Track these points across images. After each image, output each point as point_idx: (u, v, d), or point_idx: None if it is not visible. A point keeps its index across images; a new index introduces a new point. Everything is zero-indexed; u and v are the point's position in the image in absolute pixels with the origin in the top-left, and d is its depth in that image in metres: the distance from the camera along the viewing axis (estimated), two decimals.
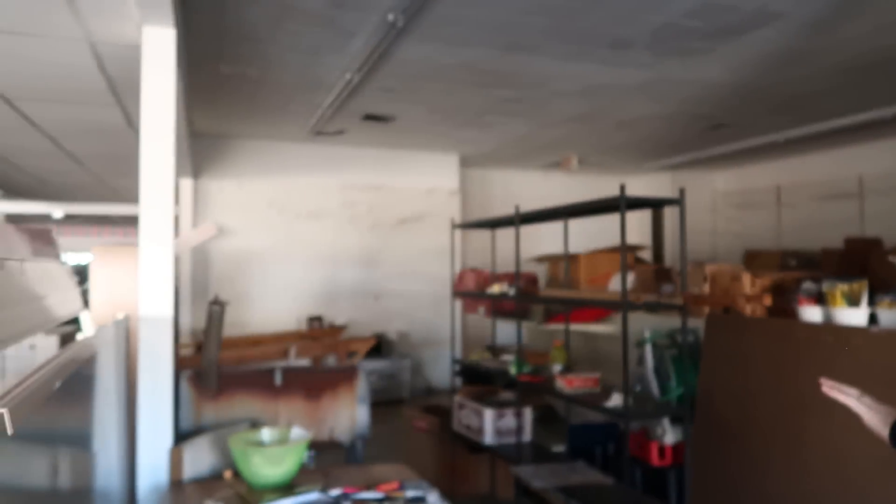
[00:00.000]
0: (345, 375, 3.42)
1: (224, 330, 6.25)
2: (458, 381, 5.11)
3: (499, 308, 4.75)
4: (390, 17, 3.94)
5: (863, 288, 2.82)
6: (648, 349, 3.47)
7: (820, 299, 2.95)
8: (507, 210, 3.80)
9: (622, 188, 2.89)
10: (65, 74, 4.09)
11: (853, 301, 2.82)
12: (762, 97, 5.91)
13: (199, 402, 3.16)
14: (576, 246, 5.52)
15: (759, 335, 2.96)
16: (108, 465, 2.42)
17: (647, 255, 9.11)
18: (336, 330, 6.56)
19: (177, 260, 7.40)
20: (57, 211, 9.74)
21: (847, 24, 4.17)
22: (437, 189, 8.51)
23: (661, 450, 3.29)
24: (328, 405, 3.33)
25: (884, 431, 1.59)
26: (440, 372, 8.15)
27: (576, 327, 4.42)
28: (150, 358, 2.77)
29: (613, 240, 2.95)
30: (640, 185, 10.20)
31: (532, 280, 4.97)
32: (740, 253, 7.97)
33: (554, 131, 7.31)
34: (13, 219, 11.33)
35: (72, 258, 10.72)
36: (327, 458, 4.31)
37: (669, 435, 3.28)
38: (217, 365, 3.22)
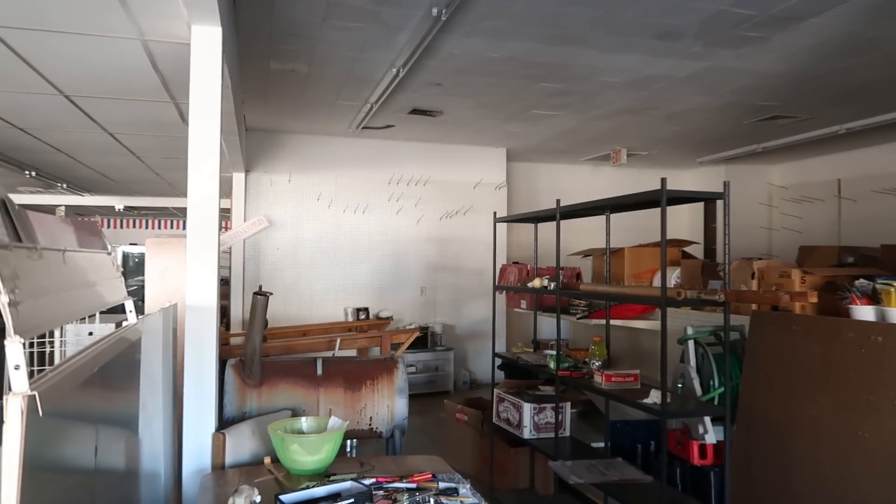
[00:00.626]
0: (384, 367, 3.46)
1: (273, 320, 6.42)
2: (500, 375, 5.11)
3: (540, 302, 4.72)
4: (434, 10, 3.95)
5: None
6: (691, 346, 3.39)
7: (874, 298, 2.83)
8: (553, 204, 3.77)
9: (663, 182, 2.83)
10: (121, 72, 4.25)
11: None
12: (821, 87, 5.68)
13: (243, 389, 3.26)
14: (627, 241, 5.44)
15: (807, 334, 2.87)
16: (154, 448, 2.52)
17: (699, 250, 8.90)
18: (381, 322, 6.64)
19: (229, 252, 7.64)
20: (117, 203, 10.14)
21: None
22: (483, 183, 8.51)
23: (703, 449, 3.22)
24: (367, 396, 3.38)
25: None
26: (483, 365, 8.17)
27: (618, 322, 4.36)
28: (195, 345, 2.87)
29: (666, 234, 2.91)
30: (693, 179, 9.97)
31: (576, 274, 4.92)
32: (797, 248, 7.70)
33: (602, 124, 7.20)
34: (78, 210, 11.87)
35: (133, 249, 11.15)
36: (368, 448, 4.39)
37: (711, 434, 3.21)
38: (260, 354, 3.31)
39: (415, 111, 6.72)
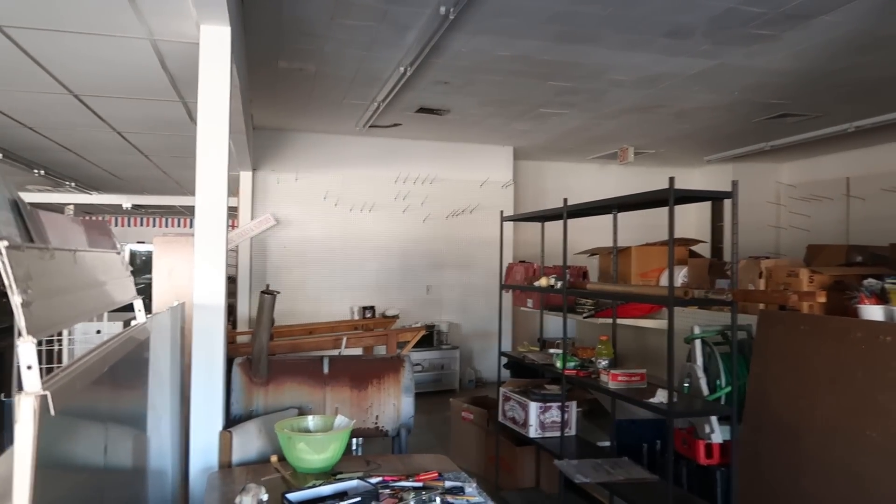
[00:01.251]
0: (391, 365, 3.47)
1: (280, 318, 6.45)
2: (506, 374, 5.11)
3: (547, 301, 4.72)
4: (442, 9, 3.95)
5: None
6: (697, 345, 3.39)
7: (883, 297, 2.82)
8: (559, 202, 3.77)
9: (671, 181, 2.82)
10: (130, 72, 4.27)
11: None
12: (830, 84, 5.65)
13: (249, 388, 3.27)
14: (634, 239, 5.43)
15: (815, 334, 2.86)
16: (162, 446, 2.54)
17: (706, 249, 8.87)
18: (388, 320, 6.65)
19: (236, 250, 7.67)
20: (125, 202, 10.19)
21: None
22: (490, 181, 8.51)
23: (709, 448, 3.21)
24: (373, 394, 3.39)
25: None
26: (489, 364, 8.18)
27: (625, 321, 4.36)
28: (203, 344, 2.88)
29: (668, 232, 2.90)
30: (701, 177, 9.93)
31: (582, 273, 4.91)
32: (805, 247, 7.67)
33: (610, 123, 7.19)
34: (86, 209, 11.93)
35: (140, 247, 11.21)
36: (375, 447, 4.40)
37: (717, 434, 3.20)
38: (267, 352, 3.32)
39: (422, 110, 6.72)
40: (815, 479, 2.68)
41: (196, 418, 2.84)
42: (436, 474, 2.50)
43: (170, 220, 15.24)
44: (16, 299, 0.96)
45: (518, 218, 4.56)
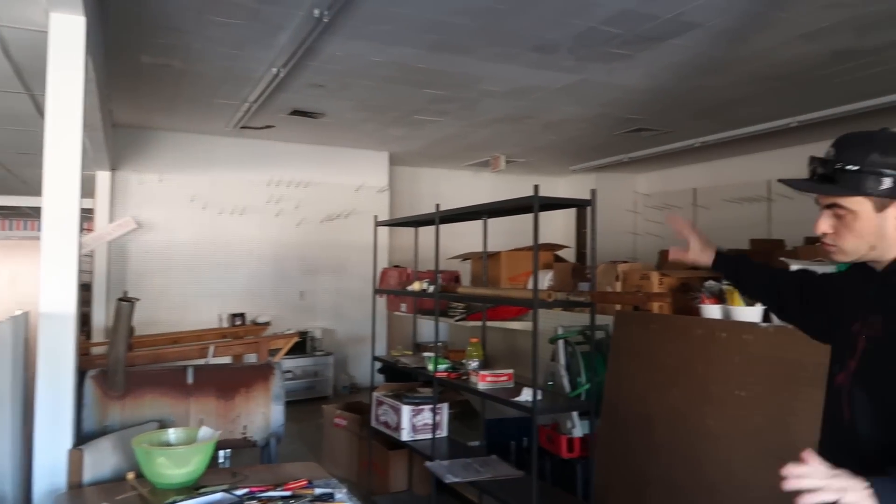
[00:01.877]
0: (259, 373, 3.37)
1: (141, 328, 6.06)
2: (381, 379, 5.12)
3: (420, 305, 4.78)
4: (316, 11, 3.90)
5: None
6: (561, 345, 3.57)
7: (720, 297, 3.10)
8: (434, 209, 3.83)
9: (535, 189, 2.96)
10: None
11: (749, 300, 2.98)
12: (680, 103, 6.15)
13: (104, 402, 3.06)
14: (503, 243, 5.61)
15: (663, 332, 3.10)
16: (1, 468, 2.32)
17: (571, 254, 9.33)
18: (258, 327, 6.45)
19: (91, 255, 7.14)
20: None
21: (757, 35, 4.39)
22: (366, 186, 8.49)
23: (570, 443, 3.40)
24: (241, 404, 3.28)
25: (707, 259, 1.97)
26: (364, 369, 8.13)
27: (495, 324, 4.50)
28: (49, 356, 2.67)
29: (539, 238, 3.04)
30: (567, 185, 10.45)
31: (455, 278, 5.02)
32: (658, 252, 8.27)
33: (483, 131, 7.41)
34: None
35: None
36: (243, 458, 4.25)
37: (578, 428, 3.40)
38: (124, 363, 3.12)
39: (296, 112, 6.60)
40: (663, 465, 2.90)
41: (41, 436, 2.62)
42: (305, 482, 2.46)
43: (14, 222, 13.91)
44: None
45: (392, 223, 4.59)
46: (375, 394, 4.08)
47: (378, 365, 4.66)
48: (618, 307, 3.58)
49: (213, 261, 7.68)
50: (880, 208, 1.33)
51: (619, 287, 3.82)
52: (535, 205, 2.92)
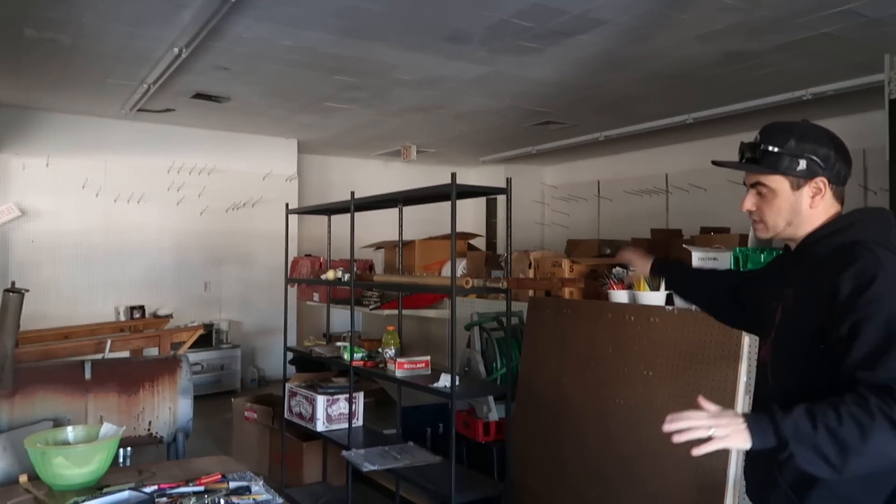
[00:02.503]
0: (165, 367, 3.22)
1: (27, 323, 5.64)
2: (292, 370, 5.01)
3: (334, 294, 4.71)
4: None
5: None
6: (476, 332, 3.62)
7: (628, 283, 3.23)
8: (345, 197, 3.77)
9: (453, 177, 2.97)
10: None
11: (654, 285, 3.13)
12: (586, 98, 6.35)
13: None
14: (416, 233, 5.61)
15: (574, 316, 3.20)
16: None
17: (482, 242, 9.47)
18: (159, 320, 6.16)
19: None
20: None
21: (658, 34, 4.60)
22: (273, 174, 8.25)
23: (487, 427, 3.45)
24: (146, 399, 3.12)
25: (645, 267, 2.12)
26: (273, 361, 7.93)
27: (409, 312, 4.51)
28: None
29: (450, 228, 3.05)
30: (477, 176, 10.58)
31: (368, 266, 4.98)
32: (565, 241, 8.53)
33: (394, 120, 7.37)
34: None
35: None
36: (147, 456, 4.05)
37: (493, 413, 3.46)
38: (13, 360, 2.90)
39: (199, 96, 6.31)
40: (575, 446, 3.01)
41: None
42: (219, 476, 2.37)
43: None
44: None
45: (304, 211, 4.49)
46: (288, 385, 3.99)
47: (290, 356, 4.56)
48: (531, 293, 3.66)
49: (109, 251, 7.24)
50: (796, 187, 1.50)
51: (531, 274, 3.90)
52: (452, 192, 2.93)
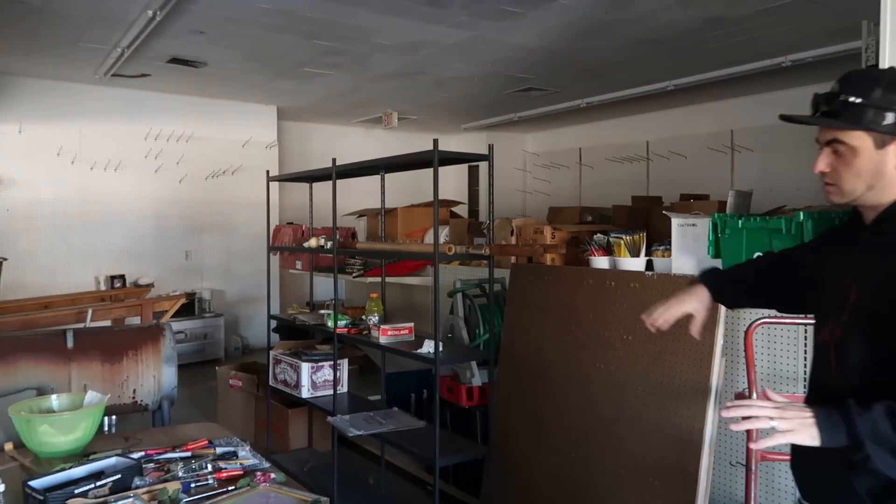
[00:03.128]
0: (148, 335, 3.22)
1: (5, 293, 5.59)
2: (276, 338, 5.02)
3: (316, 262, 4.71)
4: None
5: (642, 240, 3.18)
6: (459, 298, 3.65)
7: (608, 250, 3.28)
8: (327, 165, 3.74)
9: (435, 143, 2.96)
10: None
11: (634, 251, 3.17)
12: (567, 64, 6.32)
13: None
14: (398, 201, 5.59)
15: (555, 282, 3.24)
16: None
17: (465, 210, 9.48)
18: (141, 290, 6.13)
19: None
20: None
21: None
22: (253, 141, 8.15)
23: (470, 392, 3.51)
24: (130, 367, 3.12)
25: (706, 303, 1.73)
26: (256, 330, 7.94)
27: (393, 280, 4.52)
28: None
29: (432, 195, 3.05)
30: (459, 143, 10.53)
31: (350, 234, 4.97)
32: (547, 209, 8.56)
33: (375, 87, 7.28)
34: None
35: None
36: (132, 424, 4.07)
37: (477, 378, 3.51)
38: None
39: (175, 60, 6.18)
40: (556, 409, 3.07)
41: None
42: (206, 442, 2.39)
43: None
44: None
45: (285, 178, 4.45)
46: (273, 352, 4.01)
47: (274, 324, 4.57)
48: (513, 260, 3.69)
49: (87, 219, 7.14)
50: (881, 144, 1.30)
51: (513, 241, 3.93)
52: (434, 159, 2.93)
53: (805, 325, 2.51)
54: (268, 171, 4.39)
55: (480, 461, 3.23)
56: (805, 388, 2.19)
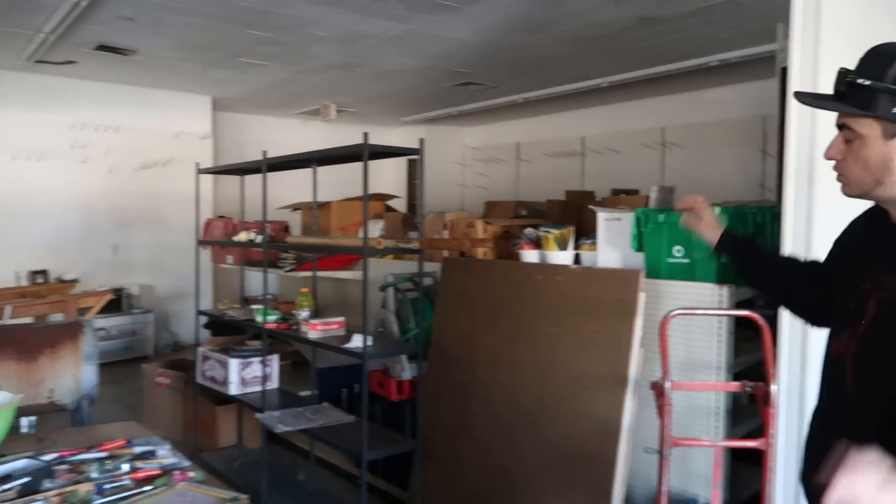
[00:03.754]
0: (67, 332, 3.10)
1: None
2: (207, 335, 4.92)
3: (248, 256, 4.63)
4: None
5: (570, 233, 3.26)
6: (391, 292, 3.66)
7: (538, 244, 3.34)
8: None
9: (365, 136, 2.95)
10: None
11: (562, 245, 3.24)
12: (505, 59, 6.38)
13: None
14: (337, 194, 5.55)
15: (485, 276, 3.28)
16: None
17: (403, 204, 9.47)
18: (64, 285, 5.90)
19: None
20: None
21: None
22: (186, 133, 7.92)
23: (400, 385, 3.52)
24: (47, 365, 3.00)
25: (715, 235, 1.69)
26: (188, 326, 7.71)
27: (326, 274, 4.49)
28: None
29: (370, 188, 3.04)
30: (399, 137, 10.48)
31: (284, 228, 4.90)
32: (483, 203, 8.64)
33: (313, 78, 7.19)
34: None
35: None
36: (52, 424, 3.92)
37: (407, 371, 3.53)
38: None
39: (103, 47, 5.96)
40: (483, 401, 3.11)
41: None
42: (123, 442, 2.33)
43: None
44: None
45: (216, 171, 4.36)
46: (201, 349, 3.93)
47: (203, 320, 4.48)
48: (445, 254, 3.72)
49: (6, 211, 6.81)
50: (889, 135, 1.14)
51: (446, 235, 3.95)
52: (364, 153, 2.92)
53: (718, 315, 2.62)
54: (197, 164, 4.30)
55: (410, 454, 3.24)
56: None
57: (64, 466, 2.12)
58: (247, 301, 4.67)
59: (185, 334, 7.77)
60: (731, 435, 2.67)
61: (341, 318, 3.29)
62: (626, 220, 2.99)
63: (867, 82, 1.12)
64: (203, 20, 5.20)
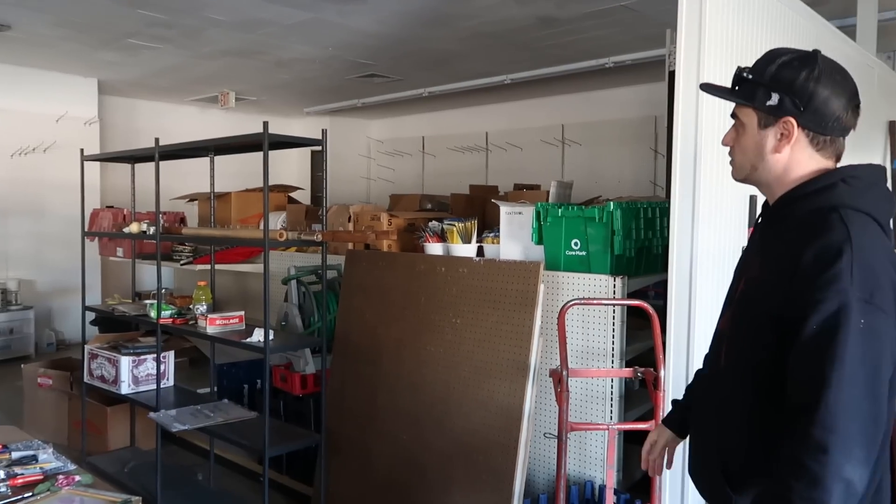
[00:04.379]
0: None
1: None
2: (95, 332, 4.65)
3: (141, 249, 4.40)
4: None
5: (473, 227, 3.31)
6: (293, 286, 3.59)
7: (442, 236, 3.37)
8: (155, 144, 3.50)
9: (265, 125, 2.87)
10: None
11: (465, 237, 3.29)
12: (409, 52, 6.38)
13: None
14: (236, 185, 5.36)
15: (389, 268, 3.28)
16: None
17: (306, 196, 9.29)
18: None
19: None
20: None
21: None
22: (69, 116, 7.41)
23: (304, 380, 3.47)
24: None
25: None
26: (74, 322, 7.27)
27: (225, 267, 4.34)
28: None
29: (273, 179, 2.95)
30: (302, 127, 10.27)
31: (180, 219, 4.69)
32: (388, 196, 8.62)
33: (209, 64, 6.91)
34: None
35: None
36: None
37: (311, 366, 3.48)
38: None
39: None
40: (389, 392, 3.12)
41: None
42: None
43: None
44: None
45: (102, 158, 4.12)
46: (88, 347, 3.70)
47: (91, 316, 4.22)
48: (350, 246, 3.69)
49: None
50: (763, 125, 1.28)
51: (351, 228, 3.92)
52: (264, 142, 2.84)
53: (612, 305, 2.75)
54: (82, 150, 4.04)
55: (315, 449, 3.20)
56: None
57: None
58: (139, 296, 4.44)
59: (71, 332, 7.29)
60: (624, 418, 2.81)
61: (241, 313, 3.20)
62: (527, 214, 3.07)
63: (751, 76, 1.28)
64: None
